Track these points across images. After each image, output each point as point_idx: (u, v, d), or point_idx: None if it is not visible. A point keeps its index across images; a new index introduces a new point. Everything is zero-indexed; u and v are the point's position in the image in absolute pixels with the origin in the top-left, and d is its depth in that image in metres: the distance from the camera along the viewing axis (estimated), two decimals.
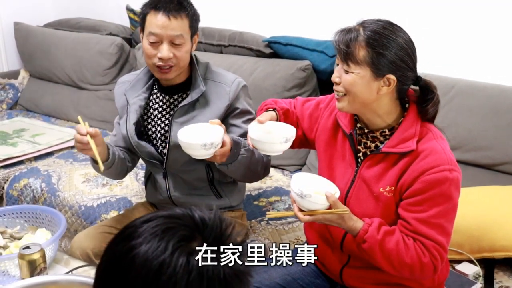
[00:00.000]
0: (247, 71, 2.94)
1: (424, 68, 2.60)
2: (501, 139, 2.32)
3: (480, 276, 1.95)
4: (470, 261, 1.99)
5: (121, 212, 2.41)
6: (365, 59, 1.48)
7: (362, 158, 1.63)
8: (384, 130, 1.58)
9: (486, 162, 2.38)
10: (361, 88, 1.51)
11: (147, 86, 2.02)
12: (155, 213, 0.88)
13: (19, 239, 1.87)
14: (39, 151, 3.03)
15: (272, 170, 2.80)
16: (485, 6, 2.53)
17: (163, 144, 2.01)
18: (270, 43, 2.97)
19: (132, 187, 2.64)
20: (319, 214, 1.52)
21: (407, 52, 1.51)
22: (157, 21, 1.84)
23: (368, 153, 1.61)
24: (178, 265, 0.80)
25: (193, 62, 1.97)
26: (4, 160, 2.91)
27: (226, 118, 1.95)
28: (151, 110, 2.03)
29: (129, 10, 3.53)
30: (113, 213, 2.44)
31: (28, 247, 1.62)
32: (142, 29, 1.91)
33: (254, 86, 2.89)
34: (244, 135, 1.90)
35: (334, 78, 1.56)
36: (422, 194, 1.50)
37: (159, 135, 2.02)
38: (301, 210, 1.54)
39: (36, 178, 2.75)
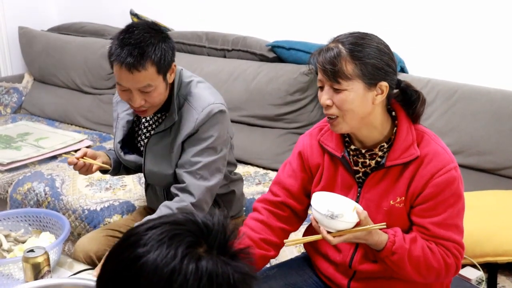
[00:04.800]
0: (250, 75, 2.95)
1: (427, 73, 2.61)
2: (504, 144, 2.33)
3: (483, 280, 1.95)
4: (473, 266, 1.99)
5: (125, 216, 2.42)
6: (355, 72, 1.44)
7: (363, 177, 1.59)
8: (383, 144, 1.55)
9: (489, 166, 2.38)
10: (357, 102, 1.46)
11: None
12: (158, 220, 0.88)
13: (23, 242, 1.87)
14: (42, 155, 3.04)
15: (274, 173, 2.80)
16: (487, 11, 2.54)
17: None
18: (274, 47, 2.98)
19: (135, 191, 2.64)
20: (349, 234, 1.46)
21: (390, 56, 1.50)
22: (120, 73, 1.75)
23: (369, 171, 1.58)
24: (188, 272, 0.80)
25: (172, 86, 1.88)
26: (8, 164, 2.91)
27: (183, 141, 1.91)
28: (141, 123, 2.03)
29: (133, 14, 3.54)
30: (116, 217, 2.45)
31: (32, 251, 1.63)
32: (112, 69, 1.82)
33: (257, 90, 2.90)
34: (184, 164, 1.88)
35: (325, 101, 1.48)
36: (435, 197, 1.49)
37: (141, 146, 2.04)
38: (328, 232, 1.48)
39: (40, 182, 2.75)
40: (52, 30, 3.97)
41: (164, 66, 1.77)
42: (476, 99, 2.41)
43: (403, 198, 1.52)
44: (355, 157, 1.58)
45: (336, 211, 1.43)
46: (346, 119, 1.49)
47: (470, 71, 2.59)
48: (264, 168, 2.86)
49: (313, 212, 1.49)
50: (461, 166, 2.37)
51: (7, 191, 2.82)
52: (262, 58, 3.03)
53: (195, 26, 3.37)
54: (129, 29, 1.77)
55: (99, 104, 3.55)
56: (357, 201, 1.57)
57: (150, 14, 3.56)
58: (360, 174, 1.59)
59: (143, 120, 2.01)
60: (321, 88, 1.51)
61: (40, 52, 3.77)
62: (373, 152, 1.55)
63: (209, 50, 3.24)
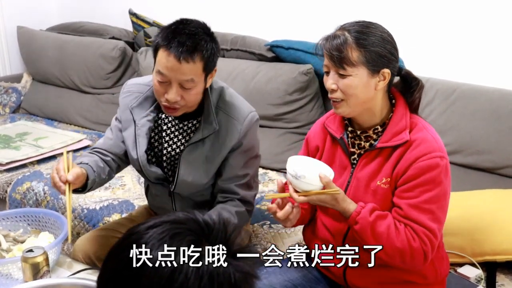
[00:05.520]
0: (249, 75, 2.95)
1: (426, 72, 2.61)
2: (503, 143, 2.33)
3: (482, 279, 1.95)
4: (472, 264, 1.99)
5: (124, 215, 2.41)
6: (360, 59, 1.52)
7: (357, 158, 1.66)
8: (377, 127, 1.63)
9: (487, 165, 2.38)
10: (361, 88, 1.54)
11: (155, 105, 1.90)
12: (158, 218, 0.88)
13: (22, 242, 1.87)
14: (41, 154, 3.04)
15: (274, 173, 2.81)
16: (486, 10, 2.54)
17: (168, 167, 1.95)
18: (272, 47, 2.98)
19: (134, 190, 2.65)
20: (312, 195, 1.55)
21: (393, 45, 1.58)
22: (167, 62, 1.68)
23: (363, 153, 1.65)
24: (189, 271, 0.80)
25: (206, 91, 1.83)
26: (7, 163, 2.91)
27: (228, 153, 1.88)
28: (160, 129, 1.92)
29: (132, 14, 3.54)
30: (115, 216, 2.45)
31: (31, 250, 1.62)
32: (154, 58, 1.75)
33: (256, 90, 2.89)
34: (233, 178, 1.88)
35: (330, 85, 1.57)
36: (414, 180, 1.54)
37: (167, 159, 1.94)
38: (296, 192, 1.58)
39: (39, 181, 2.75)
40: (51, 29, 3.96)
41: (210, 66, 1.75)
42: (475, 98, 2.41)
43: (389, 179, 1.59)
44: (353, 139, 1.67)
45: (299, 172, 1.53)
46: (350, 103, 1.57)
47: (469, 70, 2.59)
48: (263, 167, 2.86)
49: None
50: (460, 165, 2.40)
51: (6, 191, 2.82)
52: (261, 58, 3.03)
53: None
54: (183, 21, 1.75)
55: (98, 104, 3.55)
56: (349, 181, 1.66)
57: (149, 14, 3.56)
58: (356, 156, 1.67)
59: (165, 127, 1.91)
60: (327, 73, 1.60)
61: (39, 52, 3.77)
62: (368, 134, 1.64)
63: None
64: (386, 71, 1.56)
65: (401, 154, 1.57)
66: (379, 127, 1.62)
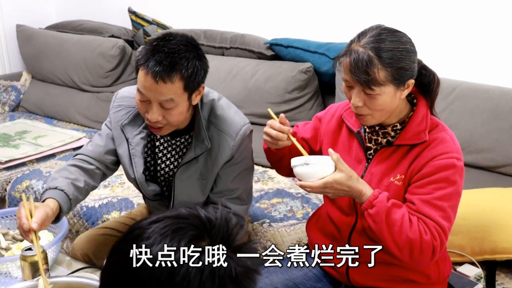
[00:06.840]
0: (248, 73, 2.94)
1: None
2: (503, 141, 2.32)
3: (481, 278, 1.95)
4: (472, 263, 1.99)
5: (123, 213, 2.41)
6: (387, 78, 1.50)
7: (373, 154, 1.66)
8: (396, 125, 1.62)
9: (487, 164, 2.38)
10: (388, 102, 1.54)
11: None
12: (161, 213, 0.88)
13: (21, 241, 1.87)
14: (41, 153, 3.04)
15: (273, 172, 2.80)
16: (486, 8, 2.53)
17: (165, 185, 1.93)
18: (272, 45, 2.97)
19: (133, 188, 2.63)
20: (328, 177, 1.52)
21: (415, 52, 1.56)
22: (144, 81, 1.61)
23: (379, 149, 1.65)
24: (190, 265, 0.81)
25: (196, 106, 1.76)
26: (6, 162, 2.91)
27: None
28: (153, 145, 1.88)
29: (131, 12, 3.54)
30: (114, 214, 2.45)
31: (30, 249, 1.62)
32: (136, 75, 1.69)
33: (255, 88, 2.89)
34: (224, 191, 1.84)
35: (357, 103, 1.55)
36: (429, 177, 1.55)
37: (164, 178, 1.92)
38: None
39: (38, 179, 2.75)
40: (50, 28, 3.96)
41: (192, 85, 1.65)
42: (475, 96, 2.41)
43: (403, 176, 1.60)
44: (370, 134, 1.67)
45: (307, 158, 1.54)
46: (376, 116, 1.57)
47: (468, 68, 2.59)
48: (262, 166, 2.86)
49: (293, 171, 1.58)
50: None
51: (5, 189, 2.82)
52: (260, 56, 3.03)
53: (193, 24, 3.36)
54: (165, 36, 1.66)
55: (97, 102, 3.54)
56: (362, 175, 1.66)
57: (149, 12, 3.56)
58: (372, 151, 1.67)
59: (157, 143, 1.87)
60: (349, 87, 1.57)
61: (38, 50, 3.77)
62: (386, 131, 1.64)
63: (207, 48, 3.23)
64: (411, 81, 1.55)
65: (419, 153, 1.58)
66: (398, 125, 1.62)
